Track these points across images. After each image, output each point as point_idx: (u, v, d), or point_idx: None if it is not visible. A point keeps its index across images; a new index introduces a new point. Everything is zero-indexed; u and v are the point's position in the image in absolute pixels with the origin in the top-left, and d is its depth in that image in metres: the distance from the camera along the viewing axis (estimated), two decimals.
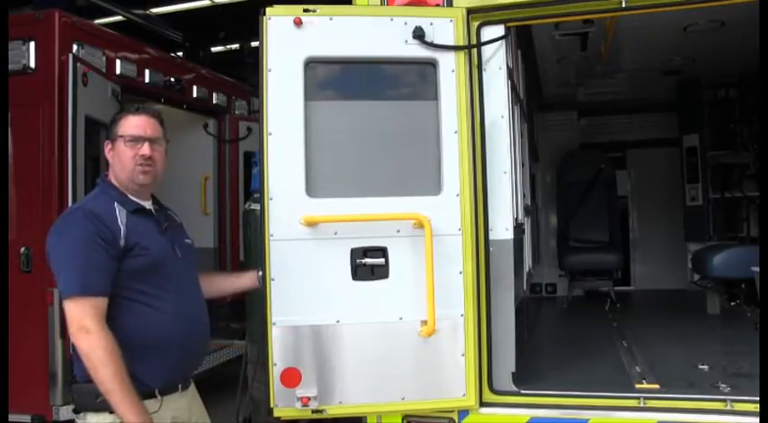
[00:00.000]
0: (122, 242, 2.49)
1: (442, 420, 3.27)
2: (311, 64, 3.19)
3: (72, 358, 4.57)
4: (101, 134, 5.05)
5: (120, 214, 2.55)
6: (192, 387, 2.79)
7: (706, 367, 3.81)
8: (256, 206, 3.70)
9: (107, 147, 2.68)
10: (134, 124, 2.65)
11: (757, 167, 6.53)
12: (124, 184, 2.66)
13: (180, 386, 2.66)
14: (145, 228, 2.62)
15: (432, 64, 3.25)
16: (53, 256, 2.50)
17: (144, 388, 2.47)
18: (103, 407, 2.42)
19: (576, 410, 3.22)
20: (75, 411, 2.55)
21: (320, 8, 3.18)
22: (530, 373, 3.52)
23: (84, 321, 2.36)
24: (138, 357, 2.46)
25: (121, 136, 2.63)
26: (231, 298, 4.96)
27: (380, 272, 3.13)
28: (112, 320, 2.44)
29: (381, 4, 3.42)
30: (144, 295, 2.54)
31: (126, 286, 2.50)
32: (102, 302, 2.42)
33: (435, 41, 3.22)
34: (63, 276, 2.45)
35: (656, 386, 3.39)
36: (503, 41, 3.38)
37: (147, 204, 2.72)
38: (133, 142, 2.62)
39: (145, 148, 2.62)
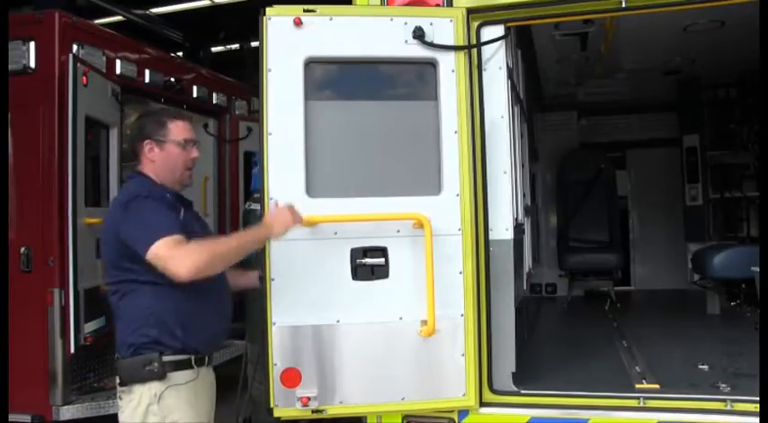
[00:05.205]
0: (182, 219, 2.66)
1: (442, 420, 3.27)
2: (311, 64, 3.19)
3: (72, 358, 4.60)
4: (101, 134, 5.07)
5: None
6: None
7: (706, 367, 3.81)
8: (256, 206, 3.71)
9: (147, 146, 2.75)
10: (185, 129, 2.80)
11: (757, 167, 6.53)
12: (167, 183, 2.79)
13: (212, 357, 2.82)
14: (186, 213, 2.80)
15: (432, 64, 3.25)
16: (127, 222, 2.55)
17: (190, 351, 2.62)
18: (150, 376, 2.53)
19: (576, 410, 3.22)
20: (121, 384, 2.60)
21: (320, 8, 3.18)
22: (530, 373, 3.52)
23: (172, 252, 2.46)
24: (188, 324, 2.61)
25: (174, 140, 2.76)
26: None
27: (380, 272, 3.13)
28: (166, 290, 2.55)
29: (381, 4, 3.42)
30: None
31: None
32: (183, 238, 2.52)
33: (435, 41, 3.22)
34: (144, 233, 2.50)
35: (656, 386, 3.39)
36: (503, 41, 3.38)
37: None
38: (187, 146, 2.79)
39: (195, 151, 2.82)
